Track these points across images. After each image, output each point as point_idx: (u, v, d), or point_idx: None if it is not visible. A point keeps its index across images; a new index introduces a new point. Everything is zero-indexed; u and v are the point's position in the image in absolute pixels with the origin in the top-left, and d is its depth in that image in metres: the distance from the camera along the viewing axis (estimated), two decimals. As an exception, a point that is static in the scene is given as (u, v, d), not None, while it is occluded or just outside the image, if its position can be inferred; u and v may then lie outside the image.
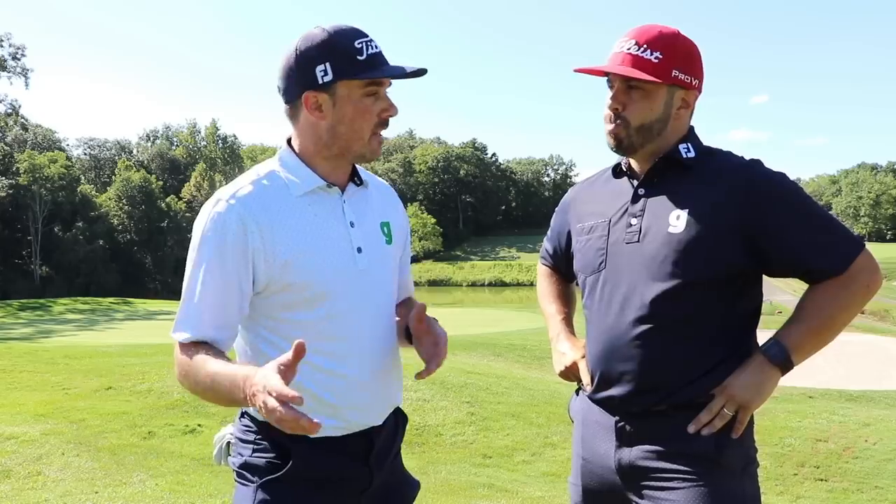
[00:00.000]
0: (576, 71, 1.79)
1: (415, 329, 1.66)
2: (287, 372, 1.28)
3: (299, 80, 1.53)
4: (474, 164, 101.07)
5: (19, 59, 42.79)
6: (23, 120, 52.88)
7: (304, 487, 1.56)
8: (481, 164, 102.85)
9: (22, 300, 32.35)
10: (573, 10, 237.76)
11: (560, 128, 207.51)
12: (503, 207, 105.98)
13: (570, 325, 2.06)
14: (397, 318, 1.77)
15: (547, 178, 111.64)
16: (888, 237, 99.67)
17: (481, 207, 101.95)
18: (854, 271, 1.67)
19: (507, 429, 6.74)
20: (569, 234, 1.99)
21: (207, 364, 1.45)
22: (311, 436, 1.53)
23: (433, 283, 72.60)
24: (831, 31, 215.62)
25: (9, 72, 42.42)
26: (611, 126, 1.76)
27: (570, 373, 1.94)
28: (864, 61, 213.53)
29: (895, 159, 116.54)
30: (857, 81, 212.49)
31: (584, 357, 1.90)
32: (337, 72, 1.50)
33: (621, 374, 1.74)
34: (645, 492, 1.72)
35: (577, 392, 1.98)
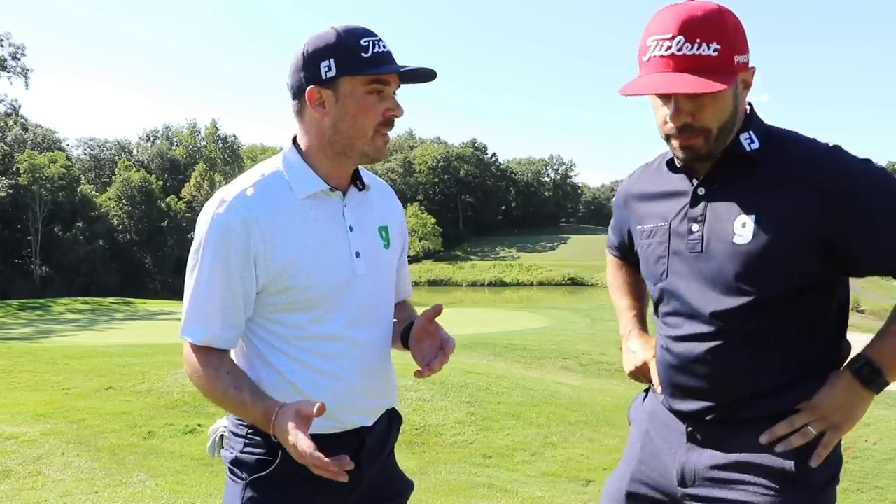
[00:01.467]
0: (625, 94, 1.50)
1: (420, 327, 1.66)
2: (304, 425, 1.41)
3: (305, 76, 1.56)
4: (474, 164, 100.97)
5: (19, 59, 42.85)
6: (23, 120, 52.99)
7: (292, 485, 1.57)
8: (481, 164, 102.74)
9: (22, 300, 32.31)
10: (573, 10, 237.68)
11: (560, 128, 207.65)
12: (503, 207, 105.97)
13: (642, 322, 1.92)
14: (394, 320, 1.77)
15: (547, 178, 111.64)
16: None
17: (481, 207, 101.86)
18: None
19: (507, 429, 6.74)
20: (629, 233, 1.85)
21: (224, 381, 1.54)
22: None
23: (433, 283, 72.52)
24: (832, 31, 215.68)
25: (9, 72, 42.43)
26: (681, 139, 1.51)
27: (641, 373, 1.83)
28: (865, 62, 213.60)
29: (895, 159, 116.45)
30: (858, 82, 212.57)
31: (654, 357, 1.76)
32: (340, 68, 1.52)
33: (691, 389, 1.61)
34: (712, 495, 1.58)
35: (645, 392, 1.86)
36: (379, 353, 1.69)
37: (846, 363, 1.56)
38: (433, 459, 5.79)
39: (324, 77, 1.53)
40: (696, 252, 1.57)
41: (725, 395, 1.57)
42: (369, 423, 1.67)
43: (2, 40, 41.78)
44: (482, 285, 72.05)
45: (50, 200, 59.99)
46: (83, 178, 72.07)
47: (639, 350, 1.84)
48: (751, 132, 1.54)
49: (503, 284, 72.18)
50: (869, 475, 5.73)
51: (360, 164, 1.67)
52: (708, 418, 1.60)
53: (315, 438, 1.57)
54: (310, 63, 1.54)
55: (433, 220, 78.62)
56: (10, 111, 48.26)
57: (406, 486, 1.81)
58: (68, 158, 68.34)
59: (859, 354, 1.54)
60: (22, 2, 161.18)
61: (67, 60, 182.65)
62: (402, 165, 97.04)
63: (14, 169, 59.54)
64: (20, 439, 5.33)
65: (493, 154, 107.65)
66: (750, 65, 1.51)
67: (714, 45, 1.42)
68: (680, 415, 1.67)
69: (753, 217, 1.49)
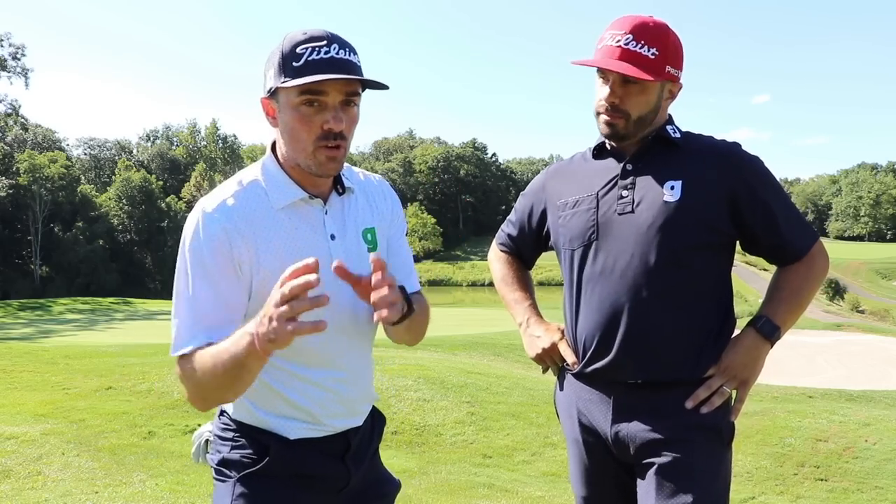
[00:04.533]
0: (574, 63, 1.85)
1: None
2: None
3: (263, 87, 1.52)
4: (474, 164, 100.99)
5: (19, 59, 42.74)
6: (23, 120, 52.68)
7: (281, 483, 1.57)
8: (481, 164, 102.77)
9: (22, 300, 32.35)
10: (574, 10, 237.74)
11: (560, 128, 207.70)
12: (503, 207, 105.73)
13: (537, 310, 2.08)
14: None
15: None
16: (888, 237, 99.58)
17: (481, 207, 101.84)
18: (815, 253, 1.86)
19: (507, 429, 6.74)
20: (543, 213, 2.04)
21: (209, 351, 1.43)
22: (290, 437, 1.56)
23: (433, 283, 72.50)
24: (833, 31, 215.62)
25: (9, 72, 42.35)
26: (607, 117, 1.83)
27: (548, 355, 1.97)
28: (865, 61, 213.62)
29: (895, 159, 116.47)
30: (858, 81, 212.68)
31: (562, 338, 1.95)
32: (275, 78, 1.47)
33: (623, 339, 1.78)
34: (646, 459, 1.78)
35: (559, 381, 2.01)
36: (359, 359, 1.67)
37: (748, 323, 1.83)
38: (433, 459, 5.79)
39: (266, 88, 1.50)
40: (626, 213, 1.82)
41: (655, 345, 1.76)
42: (359, 423, 1.68)
43: (2, 40, 41.69)
44: (482, 285, 71.94)
45: (50, 200, 59.98)
46: (83, 178, 72.07)
47: (542, 335, 1.99)
48: (674, 126, 1.90)
49: (503, 284, 71.94)
50: (869, 475, 5.73)
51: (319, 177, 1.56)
52: (632, 376, 1.78)
53: (300, 441, 1.58)
54: (263, 74, 1.52)
55: (433, 220, 78.55)
56: (10, 111, 48.09)
57: (393, 486, 1.80)
58: (68, 158, 68.34)
59: (758, 315, 1.83)
60: (22, 2, 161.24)
61: (67, 60, 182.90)
62: (402, 165, 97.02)
63: (14, 169, 59.55)
64: (20, 439, 5.33)
65: (493, 154, 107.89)
66: (680, 81, 1.86)
67: (653, 50, 1.77)
68: (603, 375, 1.82)
69: (680, 182, 1.79)
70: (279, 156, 1.58)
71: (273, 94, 1.49)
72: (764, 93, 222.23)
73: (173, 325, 1.51)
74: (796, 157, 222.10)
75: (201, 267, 1.48)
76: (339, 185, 1.63)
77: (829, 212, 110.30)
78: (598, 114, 1.85)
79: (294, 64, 1.43)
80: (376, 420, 1.78)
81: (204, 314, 1.48)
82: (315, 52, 1.43)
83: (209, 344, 1.45)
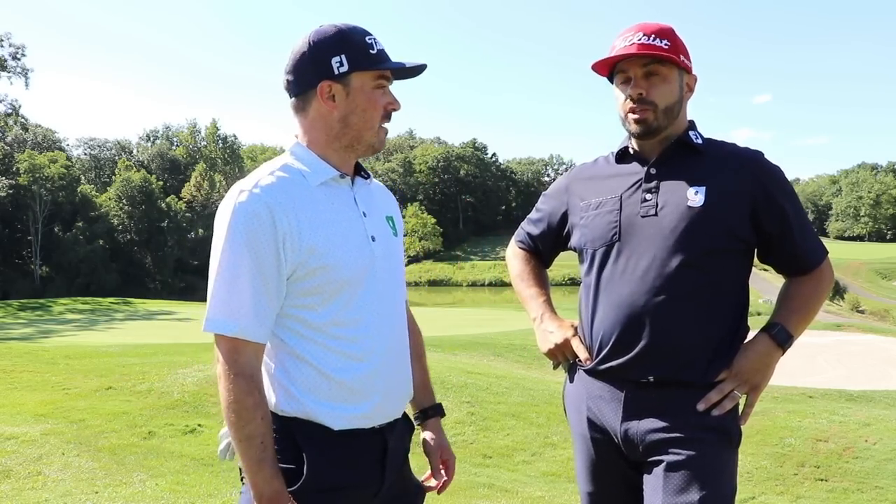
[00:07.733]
0: (595, 64, 1.90)
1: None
2: None
3: (314, 71, 1.59)
4: (474, 164, 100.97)
5: (19, 59, 42.69)
6: (23, 120, 52.54)
7: (316, 498, 1.55)
8: (481, 164, 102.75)
9: (22, 300, 32.35)
10: (573, 10, 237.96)
11: (560, 128, 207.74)
12: (503, 207, 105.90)
13: (551, 306, 2.12)
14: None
15: (547, 178, 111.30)
16: (888, 237, 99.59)
17: (481, 207, 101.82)
18: (824, 267, 1.91)
19: (507, 429, 6.74)
20: (564, 214, 2.06)
21: (258, 426, 1.51)
22: (335, 428, 1.57)
23: (433, 283, 72.50)
24: (833, 31, 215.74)
25: (9, 72, 42.31)
26: (636, 114, 1.86)
27: (560, 350, 2.00)
28: (866, 61, 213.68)
29: (895, 159, 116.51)
30: (859, 81, 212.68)
31: (575, 335, 1.97)
32: (353, 63, 1.58)
33: (640, 339, 1.80)
34: (654, 457, 1.79)
35: (570, 376, 2.03)
36: (397, 337, 1.72)
37: (761, 329, 1.87)
38: (433, 459, 5.79)
39: (336, 72, 1.58)
40: (649, 216, 1.84)
41: (672, 344, 1.78)
42: (398, 413, 1.70)
43: (2, 40, 41.64)
44: (482, 285, 71.96)
45: (50, 200, 60.00)
46: (83, 178, 72.06)
47: (556, 330, 2.02)
48: (697, 132, 1.93)
49: (503, 284, 72.00)
50: (869, 475, 5.73)
51: (362, 157, 1.71)
52: (648, 376, 1.80)
53: (340, 441, 1.58)
54: (318, 58, 1.58)
55: (433, 220, 78.47)
56: (10, 111, 48.01)
57: (420, 495, 1.82)
58: (68, 158, 68.35)
59: (772, 322, 1.87)
60: (22, 2, 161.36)
61: (67, 60, 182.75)
62: (402, 165, 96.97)
63: (14, 169, 59.58)
64: (20, 439, 5.33)
65: (493, 154, 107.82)
66: (694, 73, 1.92)
67: (665, 42, 1.84)
68: (619, 373, 1.84)
69: (704, 188, 1.82)
70: (305, 143, 1.66)
71: (340, 78, 1.59)
72: (765, 93, 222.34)
73: (216, 300, 1.52)
74: (797, 157, 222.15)
75: (246, 247, 1.50)
76: (362, 171, 1.74)
77: (829, 212, 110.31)
78: (626, 115, 1.88)
79: (371, 52, 1.60)
80: (407, 424, 1.80)
81: (249, 295, 1.50)
82: (377, 43, 1.63)
83: (257, 375, 1.53)
